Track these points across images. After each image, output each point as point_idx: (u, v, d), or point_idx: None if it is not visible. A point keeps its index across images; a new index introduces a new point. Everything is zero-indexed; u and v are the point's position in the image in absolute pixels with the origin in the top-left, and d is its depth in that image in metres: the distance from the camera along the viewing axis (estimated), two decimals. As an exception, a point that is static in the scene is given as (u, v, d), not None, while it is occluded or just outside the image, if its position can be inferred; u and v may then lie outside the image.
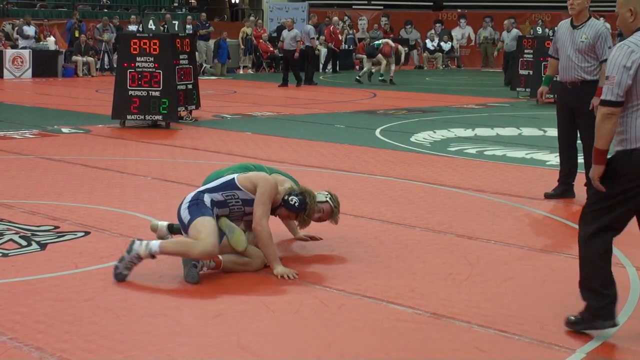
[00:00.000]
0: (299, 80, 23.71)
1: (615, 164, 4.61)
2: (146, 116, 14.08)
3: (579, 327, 4.83)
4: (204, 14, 31.42)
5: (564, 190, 8.74)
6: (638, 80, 4.53)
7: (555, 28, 8.86)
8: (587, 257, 4.74)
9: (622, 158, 4.59)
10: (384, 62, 25.47)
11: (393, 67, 25.88)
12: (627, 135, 4.57)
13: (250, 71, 30.28)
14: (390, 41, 26.24)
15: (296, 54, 23.63)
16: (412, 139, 13.17)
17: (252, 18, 33.48)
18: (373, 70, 26.02)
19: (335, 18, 31.99)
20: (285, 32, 24.26)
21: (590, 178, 4.70)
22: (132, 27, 26.57)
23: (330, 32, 30.29)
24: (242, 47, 30.98)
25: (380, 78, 25.60)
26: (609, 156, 4.65)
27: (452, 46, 35.91)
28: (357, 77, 26.01)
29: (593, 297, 4.75)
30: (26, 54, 25.56)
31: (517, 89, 21.28)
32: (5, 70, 25.07)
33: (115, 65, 21.12)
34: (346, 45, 33.19)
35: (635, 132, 4.55)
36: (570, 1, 8.24)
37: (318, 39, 25.86)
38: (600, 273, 4.72)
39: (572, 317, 4.86)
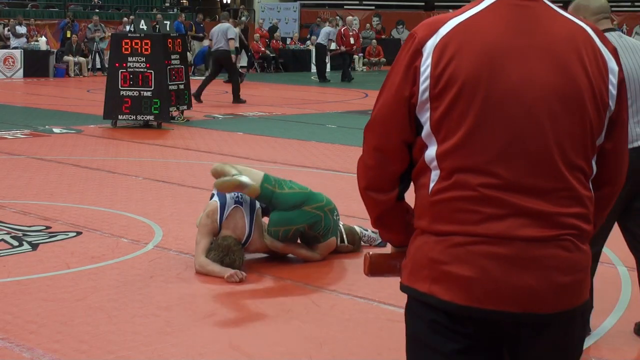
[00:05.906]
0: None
1: None
2: (138, 116, 14.06)
3: None
4: (200, 15, 31.33)
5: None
6: None
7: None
8: None
9: None
10: None
11: None
12: None
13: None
14: None
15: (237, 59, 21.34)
16: (404, 139, 13.16)
17: (243, 18, 33.35)
18: None
19: (350, 18, 29.73)
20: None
21: None
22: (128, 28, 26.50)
23: (341, 34, 27.00)
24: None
25: None
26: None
27: None
28: None
29: None
30: (17, 54, 25.47)
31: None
32: (-4, 71, 25.03)
33: (106, 66, 21.03)
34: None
35: None
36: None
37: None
38: None
39: None
